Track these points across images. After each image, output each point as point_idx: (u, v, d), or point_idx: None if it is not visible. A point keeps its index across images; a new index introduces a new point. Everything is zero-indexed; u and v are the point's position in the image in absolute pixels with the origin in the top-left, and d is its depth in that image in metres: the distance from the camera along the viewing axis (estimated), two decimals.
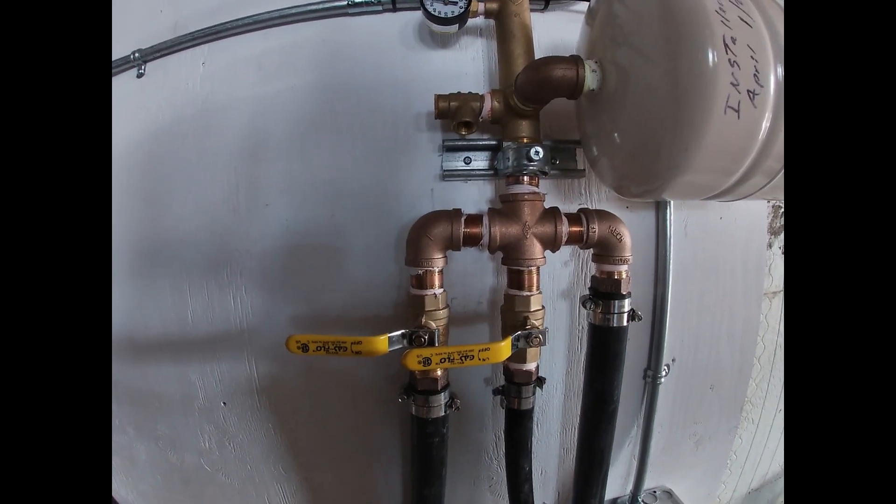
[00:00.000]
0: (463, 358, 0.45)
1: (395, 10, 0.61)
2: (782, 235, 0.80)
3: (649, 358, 0.67)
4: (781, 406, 0.91)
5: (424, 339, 0.49)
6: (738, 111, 0.36)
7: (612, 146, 0.47)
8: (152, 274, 0.62)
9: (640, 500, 0.75)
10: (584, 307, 0.57)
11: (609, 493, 0.74)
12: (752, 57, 0.37)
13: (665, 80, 0.37)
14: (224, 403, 0.64)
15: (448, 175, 0.59)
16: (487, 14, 0.55)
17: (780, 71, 0.36)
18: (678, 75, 0.36)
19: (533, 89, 0.47)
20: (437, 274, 0.53)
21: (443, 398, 0.55)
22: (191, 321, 0.64)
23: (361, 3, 0.60)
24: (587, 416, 0.60)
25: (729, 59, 0.36)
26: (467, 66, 0.60)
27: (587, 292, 0.58)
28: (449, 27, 0.56)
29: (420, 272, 0.52)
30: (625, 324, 0.55)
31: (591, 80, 0.44)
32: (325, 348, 0.46)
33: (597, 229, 0.52)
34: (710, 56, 0.34)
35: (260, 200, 0.60)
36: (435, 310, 0.53)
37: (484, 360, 0.46)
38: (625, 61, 0.42)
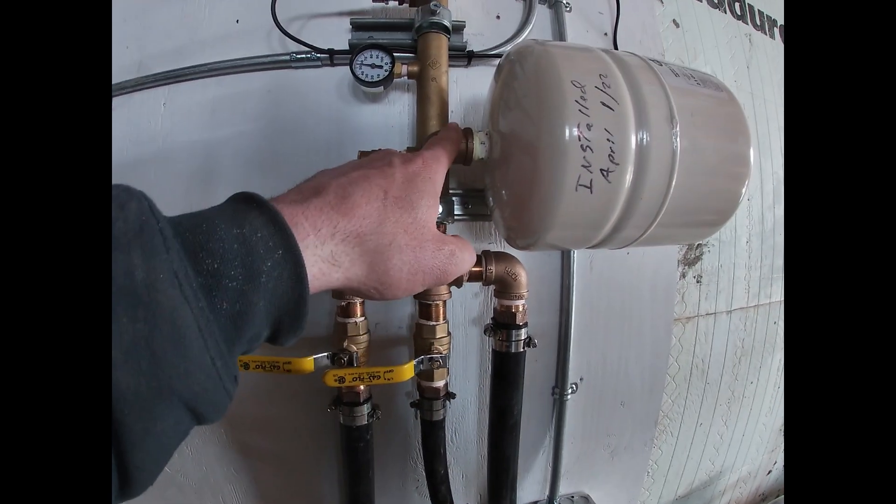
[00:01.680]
0: (371, 377, 0.56)
1: (332, 64, 0.70)
2: (698, 265, 0.91)
3: (556, 377, 0.77)
4: (701, 420, 1.02)
5: (344, 360, 0.60)
6: (590, 188, 0.43)
7: (500, 201, 0.57)
8: None
9: (556, 500, 0.85)
10: (487, 335, 0.68)
11: (528, 497, 0.85)
12: (608, 139, 0.43)
13: (529, 156, 0.45)
14: None
15: None
16: (410, 76, 0.64)
17: (644, 136, 0.43)
18: (538, 153, 0.44)
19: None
20: (358, 305, 0.63)
21: (365, 409, 0.66)
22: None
23: (302, 58, 0.69)
24: (493, 429, 0.71)
25: (581, 145, 0.42)
26: (394, 119, 0.70)
27: (490, 322, 0.68)
28: (375, 89, 0.66)
29: (343, 304, 0.63)
30: (521, 349, 0.66)
31: (479, 150, 0.54)
32: (263, 367, 0.57)
33: (493, 270, 0.62)
34: (562, 143, 0.41)
35: None
36: (356, 335, 0.63)
37: (389, 379, 0.57)
38: (507, 128, 0.52)
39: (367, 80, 0.64)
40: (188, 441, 0.77)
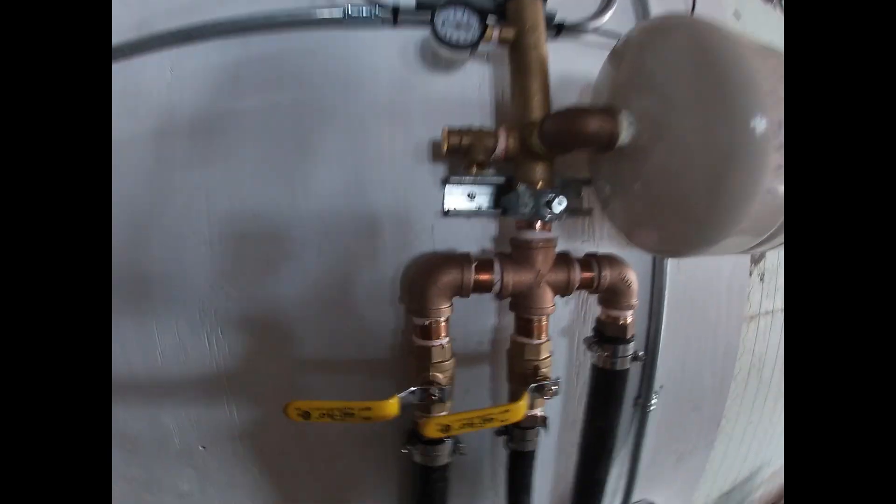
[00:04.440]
0: (484, 422, 0.48)
1: (395, 24, 0.58)
2: (762, 262, 0.88)
3: (640, 387, 0.72)
4: (753, 418, 1.01)
5: (436, 396, 0.51)
6: (776, 191, 0.38)
7: (630, 195, 0.50)
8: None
9: None
10: (590, 350, 0.60)
11: None
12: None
13: (707, 153, 0.38)
14: (203, 447, 0.63)
15: (451, 212, 0.59)
16: (502, 41, 0.54)
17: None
18: (726, 151, 0.37)
19: (563, 140, 0.48)
20: (443, 323, 0.54)
21: (448, 446, 0.57)
22: (160, 361, 0.61)
23: (358, 17, 0.57)
24: (587, 451, 0.65)
25: (776, 145, 0.36)
26: (472, 93, 0.60)
27: (590, 333, 0.61)
28: (461, 54, 0.55)
29: (426, 322, 0.53)
30: (628, 367, 0.59)
31: (625, 135, 0.46)
32: (331, 415, 0.47)
33: (608, 276, 0.55)
34: (761, 142, 0.35)
35: (237, 235, 0.57)
36: (442, 361, 0.54)
37: (504, 421, 0.49)
38: (660, 117, 0.44)
39: (453, 42, 0.53)
40: (212, 482, 0.65)
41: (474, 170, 0.53)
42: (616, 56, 0.50)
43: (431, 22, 0.52)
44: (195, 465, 0.63)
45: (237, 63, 0.58)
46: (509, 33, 0.54)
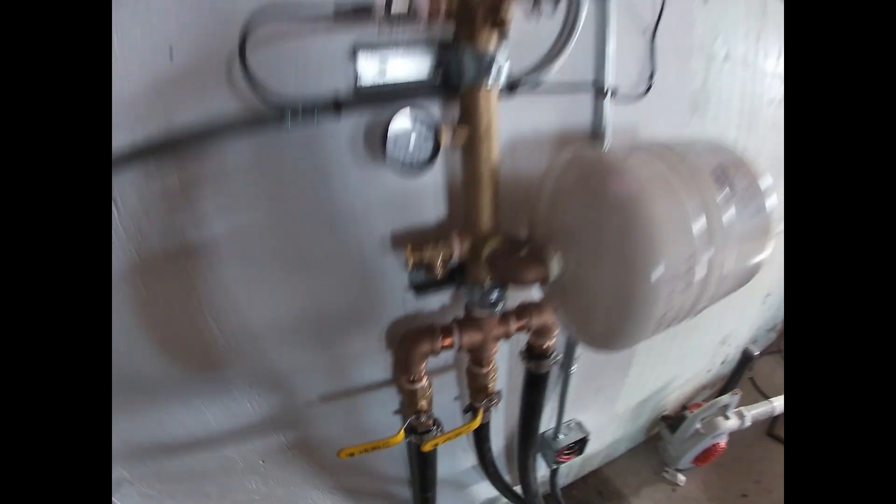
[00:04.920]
0: (458, 435, 0.76)
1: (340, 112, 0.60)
2: None
3: (564, 357, 1.02)
4: (664, 347, 1.35)
5: (430, 424, 0.78)
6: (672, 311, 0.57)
7: (564, 306, 0.68)
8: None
9: (560, 430, 1.19)
10: (522, 360, 0.88)
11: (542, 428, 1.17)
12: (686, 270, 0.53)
13: (620, 290, 0.55)
14: (262, 461, 0.90)
15: (418, 293, 0.78)
16: (455, 146, 0.64)
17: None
18: (632, 293, 0.53)
19: (507, 280, 0.68)
20: (422, 372, 0.78)
21: (434, 433, 0.86)
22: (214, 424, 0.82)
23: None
24: (525, 411, 0.99)
25: (668, 290, 0.53)
26: (426, 181, 0.71)
27: (524, 347, 0.88)
28: (413, 172, 0.64)
29: (412, 376, 0.77)
30: (550, 369, 0.87)
31: (555, 273, 0.62)
32: (366, 450, 0.74)
33: (535, 322, 0.80)
34: (657, 289, 0.51)
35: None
36: (423, 395, 0.80)
37: (469, 430, 0.77)
38: (587, 255, 0.60)
39: (412, 164, 0.62)
40: (273, 477, 0.96)
41: (437, 272, 0.69)
42: (544, 188, 0.65)
43: (383, 146, 0.60)
44: (258, 472, 0.91)
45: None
46: (463, 137, 0.64)
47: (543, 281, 0.63)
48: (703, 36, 1.03)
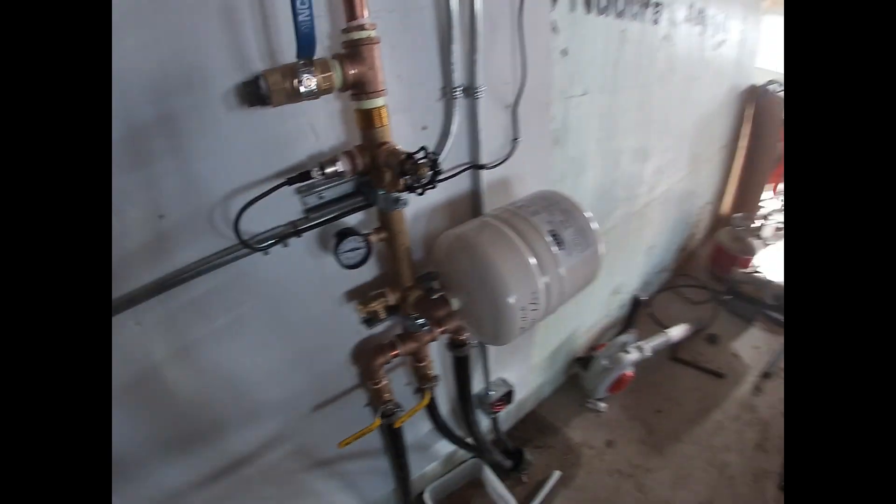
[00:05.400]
0: (415, 411, 1.17)
1: (300, 234, 1.03)
2: None
3: (483, 375, 1.44)
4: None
5: (395, 408, 1.19)
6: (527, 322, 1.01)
7: (472, 321, 1.10)
8: None
9: (490, 388, 1.65)
10: (448, 350, 1.30)
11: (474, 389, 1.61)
12: (533, 294, 0.99)
13: (490, 313, 1.01)
14: (274, 470, 1.26)
15: (368, 326, 1.16)
16: (380, 242, 1.05)
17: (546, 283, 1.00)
18: (496, 316, 1.01)
19: (426, 316, 1.09)
20: (382, 374, 1.17)
21: (398, 414, 1.27)
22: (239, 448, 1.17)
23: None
24: (458, 384, 1.40)
25: (521, 308, 0.98)
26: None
27: (447, 341, 1.31)
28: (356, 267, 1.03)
29: (375, 380, 1.16)
30: (469, 353, 1.30)
31: (456, 307, 1.04)
32: (357, 437, 1.13)
33: (451, 327, 1.20)
34: (512, 313, 0.98)
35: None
36: (386, 389, 1.23)
37: (422, 406, 1.18)
38: (467, 296, 1.03)
39: (350, 265, 1.03)
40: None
41: (382, 316, 1.08)
42: (439, 249, 1.04)
43: (336, 251, 0.99)
44: (273, 482, 1.26)
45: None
46: (384, 236, 1.05)
47: (450, 313, 1.04)
48: (563, 83, 1.48)
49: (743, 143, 4.53)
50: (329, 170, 0.86)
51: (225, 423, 1.09)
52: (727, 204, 4.98)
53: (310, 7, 0.67)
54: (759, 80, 4.16)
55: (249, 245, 0.86)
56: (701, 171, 3.26)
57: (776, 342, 3.43)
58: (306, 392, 1.21)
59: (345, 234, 1.01)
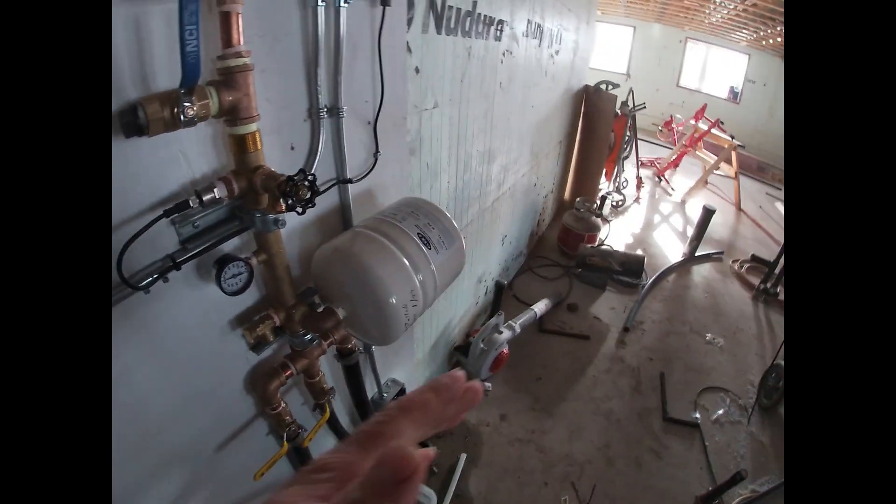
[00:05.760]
0: (319, 427, 1.19)
1: (179, 267, 1.00)
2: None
3: (366, 345, 1.50)
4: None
5: (298, 430, 1.22)
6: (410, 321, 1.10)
7: (356, 324, 1.15)
8: None
9: (382, 391, 1.71)
10: (338, 360, 1.36)
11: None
12: (412, 292, 1.08)
13: (375, 316, 1.09)
14: None
15: (256, 351, 1.15)
16: (260, 263, 1.06)
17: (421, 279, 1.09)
18: (380, 319, 1.09)
19: (314, 330, 1.11)
20: (279, 398, 1.18)
21: (303, 434, 1.27)
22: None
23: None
24: (352, 389, 1.47)
25: (403, 305, 1.06)
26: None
27: (335, 352, 1.35)
28: (236, 294, 1.03)
29: (273, 405, 1.16)
30: (357, 360, 1.35)
31: (342, 316, 1.08)
32: (270, 466, 1.11)
33: (337, 338, 1.24)
34: (397, 312, 1.07)
35: None
36: (286, 413, 1.24)
37: (324, 421, 1.21)
38: (351, 304, 1.09)
39: (231, 292, 1.02)
40: None
41: (270, 338, 1.08)
42: (317, 263, 1.08)
43: (218, 279, 0.97)
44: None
45: None
46: (263, 258, 1.07)
47: (338, 323, 1.08)
48: (416, 97, 1.59)
49: (578, 136, 5.25)
50: (206, 197, 0.85)
51: (128, 489, 0.99)
52: (568, 191, 5.72)
53: (197, 37, 0.67)
54: (592, 81, 4.88)
55: (131, 284, 0.81)
56: (542, 165, 3.71)
57: (629, 301, 4.13)
58: (208, 431, 1.16)
59: (224, 260, 1.00)
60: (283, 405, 1.22)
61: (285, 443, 1.25)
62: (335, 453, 0.28)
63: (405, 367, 2.04)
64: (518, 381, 2.97)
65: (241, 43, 0.80)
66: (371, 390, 1.75)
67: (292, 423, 1.26)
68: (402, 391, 1.87)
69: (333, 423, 1.53)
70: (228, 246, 1.03)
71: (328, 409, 1.38)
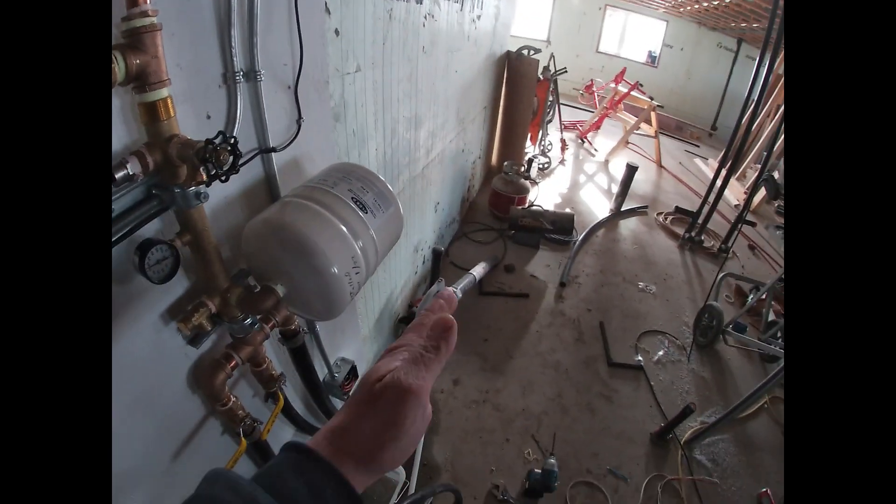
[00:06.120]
0: (275, 417, 1.14)
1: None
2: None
3: (309, 325, 1.46)
4: (377, 275, 1.92)
5: (254, 423, 1.15)
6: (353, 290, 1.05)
7: (298, 301, 1.10)
8: None
9: (333, 371, 1.67)
10: (282, 343, 1.30)
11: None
12: (353, 259, 1.03)
13: (319, 289, 1.03)
14: None
15: (195, 344, 1.07)
16: (185, 245, 0.96)
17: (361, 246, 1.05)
18: (325, 290, 1.03)
19: (254, 311, 1.05)
20: (227, 392, 1.11)
21: (260, 427, 1.21)
22: None
23: None
24: (302, 373, 1.41)
25: (346, 273, 1.02)
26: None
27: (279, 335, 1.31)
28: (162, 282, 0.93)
29: (222, 400, 1.09)
30: (303, 342, 1.33)
31: (282, 293, 1.02)
32: (232, 466, 1.04)
33: (279, 319, 1.18)
34: (341, 281, 1.02)
35: None
36: (237, 408, 1.17)
37: (279, 410, 1.16)
38: (291, 280, 1.03)
39: (156, 280, 0.92)
40: None
41: (207, 328, 1.01)
42: (248, 241, 1.02)
43: (141, 269, 0.89)
44: None
45: None
46: (188, 238, 0.97)
47: (277, 301, 1.02)
48: (338, 61, 1.51)
49: (502, 102, 5.31)
50: (119, 174, 0.76)
51: None
52: (495, 156, 5.80)
53: None
54: (513, 47, 4.91)
55: None
56: (468, 131, 3.72)
57: (562, 257, 4.31)
58: (158, 442, 1.06)
59: (146, 245, 0.89)
60: (233, 399, 1.16)
61: (242, 439, 1.18)
62: (400, 339, 0.48)
63: (353, 344, 2.00)
64: (465, 344, 3.01)
65: (148, 2, 0.72)
66: (322, 372, 1.71)
67: (246, 416, 1.20)
68: (352, 369, 1.82)
69: (289, 412, 1.48)
70: (149, 231, 0.93)
71: (281, 398, 1.32)
